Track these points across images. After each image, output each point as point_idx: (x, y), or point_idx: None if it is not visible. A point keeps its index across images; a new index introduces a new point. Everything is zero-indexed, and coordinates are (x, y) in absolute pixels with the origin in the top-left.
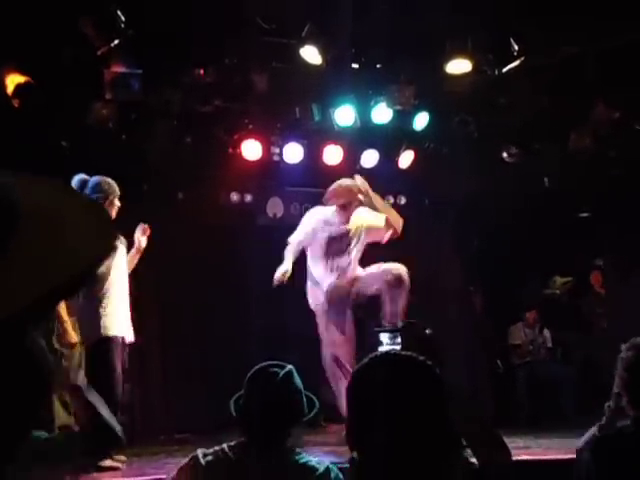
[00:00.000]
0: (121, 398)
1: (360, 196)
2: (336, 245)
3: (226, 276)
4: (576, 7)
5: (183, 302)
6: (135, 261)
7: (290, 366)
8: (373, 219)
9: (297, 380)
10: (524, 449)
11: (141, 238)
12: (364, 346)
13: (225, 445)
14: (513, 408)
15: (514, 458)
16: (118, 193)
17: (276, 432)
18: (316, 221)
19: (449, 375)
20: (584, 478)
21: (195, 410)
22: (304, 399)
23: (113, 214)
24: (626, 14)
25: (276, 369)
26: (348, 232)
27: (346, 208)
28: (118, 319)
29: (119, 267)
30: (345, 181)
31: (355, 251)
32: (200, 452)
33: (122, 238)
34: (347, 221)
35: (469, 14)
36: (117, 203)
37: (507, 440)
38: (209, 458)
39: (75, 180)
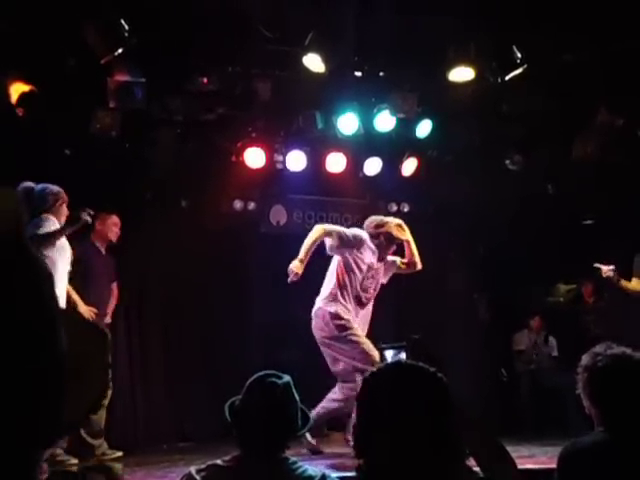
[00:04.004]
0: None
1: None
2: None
3: (229, 283)
4: (578, 14)
5: (186, 309)
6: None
7: (288, 377)
8: None
9: (294, 392)
10: (529, 457)
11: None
12: None
13: (219, 460)
14: (518, 416)
15: (519, 467)
16: (66, 199)
17: (274, 444)
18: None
19: (452, 383)
20: None
21: (199, 417)
22: (299, 412)
23: (62, 220)
24: (629, 20)
25: (274, 379)
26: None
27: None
28: None
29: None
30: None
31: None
32: (193, 469)
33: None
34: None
35: (472, 22)
36: (65, 211)
37: (512, 448)
38: (204, 474)
39: (20, 189)
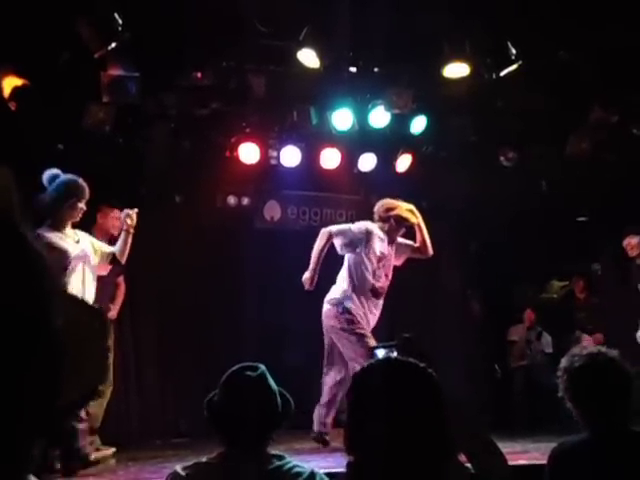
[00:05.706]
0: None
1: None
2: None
3: (223, 279)
4: (573, 11)
5: (180, 305)
6: (128, 247)
7: (262, 367)
8: None
9: (271, 381)
10: (523, 453)
11: (128, 221)
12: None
13: (205, 458)
14: (511, 412)
15: (512, 463)
16: (86, 197)
17: (257, 439)
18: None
19: (445, 379)
20: None
21: (192, 413)
22: (279, 400)
23: (75, 216)
24: (623, 18)
25: (249, 372)
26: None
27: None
28: None
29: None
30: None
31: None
32: (179, 467)
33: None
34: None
35: (467, 18)
36: (82, 206)
37: (505, 444)
38: (189, 471)
39: (46, 175)
